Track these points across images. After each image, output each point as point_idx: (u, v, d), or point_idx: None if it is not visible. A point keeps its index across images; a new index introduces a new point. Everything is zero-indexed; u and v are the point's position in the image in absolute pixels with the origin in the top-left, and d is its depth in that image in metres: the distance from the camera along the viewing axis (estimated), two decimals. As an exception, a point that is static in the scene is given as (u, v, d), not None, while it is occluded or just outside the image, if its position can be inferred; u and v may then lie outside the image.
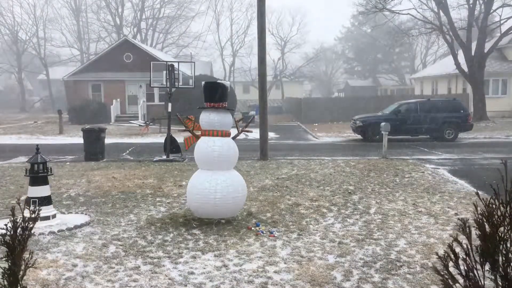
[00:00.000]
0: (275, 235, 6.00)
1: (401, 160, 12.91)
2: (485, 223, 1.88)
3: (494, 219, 1.90)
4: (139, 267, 4.90)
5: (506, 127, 24.16)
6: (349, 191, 8.77)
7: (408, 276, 4.63)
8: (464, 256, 1.91)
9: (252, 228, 6.28)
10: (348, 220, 6.77)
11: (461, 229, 1.92)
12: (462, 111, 19.53)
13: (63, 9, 55.97)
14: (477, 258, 1.96)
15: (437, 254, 2.20)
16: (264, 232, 6.12)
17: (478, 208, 1.92)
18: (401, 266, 4.91)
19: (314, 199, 8.07)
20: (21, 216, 2.38)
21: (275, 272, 4.74)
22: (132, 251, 5.39)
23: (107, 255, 5.24)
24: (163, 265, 4.94)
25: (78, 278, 4.58)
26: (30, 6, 69.67)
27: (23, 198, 7.37)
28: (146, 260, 5.08)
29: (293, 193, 8.57)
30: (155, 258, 5.16)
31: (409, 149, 16.40)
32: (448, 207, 7.47)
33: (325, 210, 7.32)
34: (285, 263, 5.00)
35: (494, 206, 1.93)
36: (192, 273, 4.73)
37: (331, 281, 4.50)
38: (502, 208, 1.93)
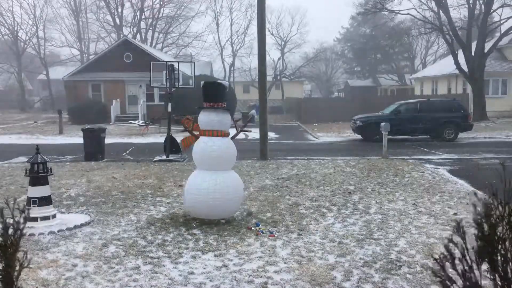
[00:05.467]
0: (275, 235, 6.01)
1: (401, 160, 12.91)
2: (484, 223, 1.90)
3: (492, 219, 1.91)
4: (139, 267, 4.90)
5: (506, 127, 24.16)
6: (349, 191, 8.78)
7: (408, 276, 4.64)
8: (461, 257, 1.92)
9: (252, 228, 6.29)
10: (348, 220, 6.77)
11: (455, 230, 1.93)
12: (462, 111, 19.53)
13: (62, 9, 56.19)
14: (475, 259, 1.97)
15: (432, 256, 2.21)
16: (264, 232, 6.12)
17: (477, 208, 1.93)
18: (401, 266, 4.91)
19: (314, 199, 8.07)
20: (11, 217, 2.39)
21: (275, 272, 4.75)
22: (132, 251, 5.39)
23: (107, 255, 5.25)
24: (163, 265, 4.95)
25: (78, 278, 4.59)
26: (30, 6, 69.82)
27: (23, 198, 7.37)
28: (146, 260, 5.09)
29: (293, 193, 8.57)
30: (155, 258, 5.17)
31: (409, 149, 16.40)
32: (448, 207, 7.48)
33: (325, 210, 7.33)
34: (285, 263, 5.01)
35: (492, 206, 1.94)
36: (192, 273, 4.73)
37: (331, 281, 4.50)
38: (500, 208, 1.94)
